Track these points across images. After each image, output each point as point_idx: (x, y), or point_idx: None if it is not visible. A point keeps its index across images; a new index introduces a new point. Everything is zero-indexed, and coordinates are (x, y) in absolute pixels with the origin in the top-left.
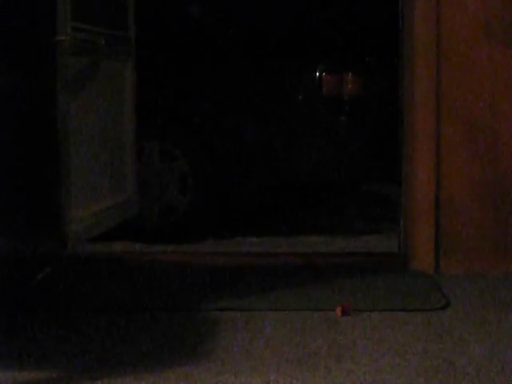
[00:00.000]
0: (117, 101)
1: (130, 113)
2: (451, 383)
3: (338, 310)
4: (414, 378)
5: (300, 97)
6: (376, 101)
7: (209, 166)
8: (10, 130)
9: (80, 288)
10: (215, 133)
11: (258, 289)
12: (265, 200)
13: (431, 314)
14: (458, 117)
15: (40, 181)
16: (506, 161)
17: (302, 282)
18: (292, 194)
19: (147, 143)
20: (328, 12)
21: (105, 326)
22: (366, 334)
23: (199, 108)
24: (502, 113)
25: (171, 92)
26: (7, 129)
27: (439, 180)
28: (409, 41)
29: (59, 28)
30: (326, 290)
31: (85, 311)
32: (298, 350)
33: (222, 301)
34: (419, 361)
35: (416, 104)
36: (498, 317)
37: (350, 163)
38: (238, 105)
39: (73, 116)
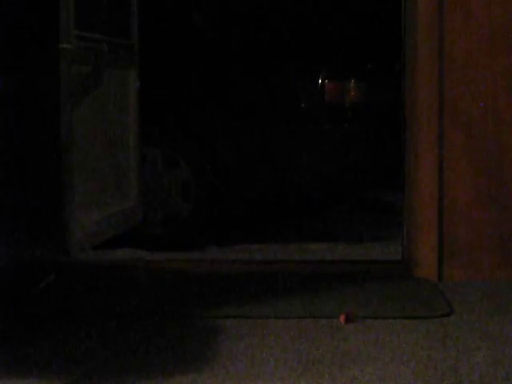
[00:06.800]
0: (120, 108)
1: (133, 120)
2: None
3: (342, 318)
4: None
5: (302, 104)
6: (378, 108)
7: (211, 173)
8: (13, 137)
9: (83, 295)
10: (218, 140)
11: (262, 296)
12: (267, 207)
13: (435, 321)
14: (460, 124)
15: (43, 188)
16: (509, 168)
17: (305, 289)
18: (295, 201)
19: (150, 150)
20: (330, 19)
21: (108, 333)
22: (369, 342)
23: (201, 115)
24: (504, 120)
25: (174, 99)
26: (11, 136)
27: (442, 187)
28: (411, 49)
29: (62, 36)
30: (330, 298)
31: (88, 318)
32: (301, 358)
33: (226, 308)
34: (423, 368)
35: (419, 111)
36: (502, 324)
37: (353, 170)
38: (241, 112)
39: (76, 123)
